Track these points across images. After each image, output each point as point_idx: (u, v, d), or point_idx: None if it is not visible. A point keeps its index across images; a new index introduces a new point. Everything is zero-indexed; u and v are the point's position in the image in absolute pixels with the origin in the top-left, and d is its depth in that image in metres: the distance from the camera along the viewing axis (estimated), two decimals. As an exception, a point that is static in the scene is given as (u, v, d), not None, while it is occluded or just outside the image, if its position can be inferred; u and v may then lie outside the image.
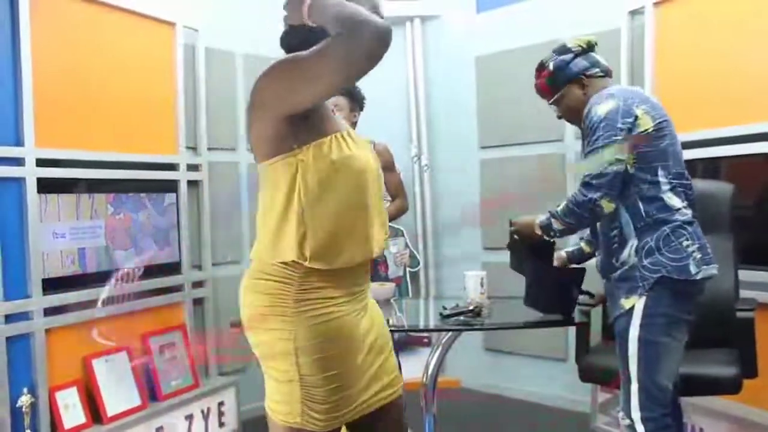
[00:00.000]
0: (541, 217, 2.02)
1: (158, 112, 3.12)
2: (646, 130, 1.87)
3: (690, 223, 1.89)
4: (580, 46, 2.05)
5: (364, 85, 3.97)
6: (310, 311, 1.34)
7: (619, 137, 1.84)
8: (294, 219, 1.33)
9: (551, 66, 2.05)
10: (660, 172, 1.88)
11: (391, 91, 4.08)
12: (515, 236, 2.13)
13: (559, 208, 1.96)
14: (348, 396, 1.38)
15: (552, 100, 2.10)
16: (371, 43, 1.21)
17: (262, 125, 1.35)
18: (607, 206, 1.87)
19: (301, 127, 1.33)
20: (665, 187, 1.88)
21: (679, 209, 1.88)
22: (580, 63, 2.03)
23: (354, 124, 2.78)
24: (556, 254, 2.28)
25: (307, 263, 1.33)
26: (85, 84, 2.76)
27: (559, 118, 2.15)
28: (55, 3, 2.65)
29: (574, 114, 2.07)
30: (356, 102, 2.79)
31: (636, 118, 1.87)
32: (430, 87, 4.09)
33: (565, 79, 2.04)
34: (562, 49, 2.06)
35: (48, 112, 2.58)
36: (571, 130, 3.48)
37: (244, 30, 3.57)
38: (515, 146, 3.75)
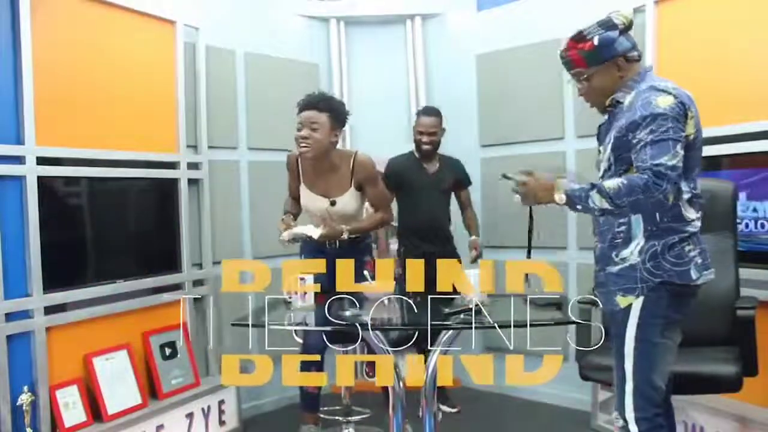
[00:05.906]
0: (570, 184, 1.81)
1: (158, 110, 3.11)
2: (688, 135, 1.79)
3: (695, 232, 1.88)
4: (624, 23, 1.90)
5: (364, 82, 4.05)
6: None
7: (683, 134, 1.75)
8: None
9: (596, 40, 1.87)
10: (683, 182, 1.81)
11: (391, 90, 4.08)
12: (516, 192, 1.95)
13: (609, 185, 1.74)
14: None
15: (584, 75, 1.93)
16: None
17: None
18: (671, 201, 1.75)
19: None
20: (685, 197, 1.82)
21: (692, 221, 1.85)
22: (625, 43, 1.89)
23: (334, 144, 2.68)
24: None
25: None
26: (85, 82, 2.76)
27: (580, 95, 2.00)
28: (55, 1, 2.65)
29: (600, 94, 1.94)
30: (338, 121, 2.67)
31: (686, 119, 1.78)
32: (431, 85, 4.08)
33: (607, 56, 1.88)
34: (609, 24, 1.89)
35: (48, 111, 2.58)
36: (571, 129, 3.47)
37: (245, 28, 3.57)
38: (516, 145, 3.73)
